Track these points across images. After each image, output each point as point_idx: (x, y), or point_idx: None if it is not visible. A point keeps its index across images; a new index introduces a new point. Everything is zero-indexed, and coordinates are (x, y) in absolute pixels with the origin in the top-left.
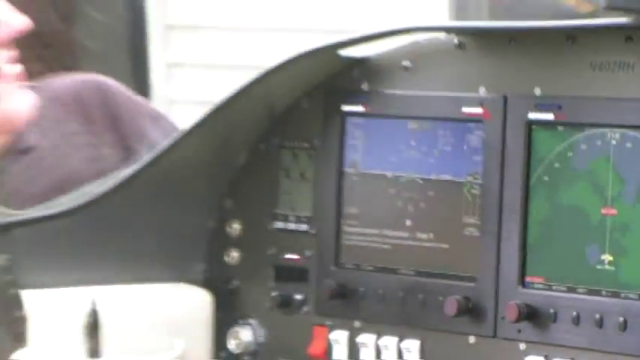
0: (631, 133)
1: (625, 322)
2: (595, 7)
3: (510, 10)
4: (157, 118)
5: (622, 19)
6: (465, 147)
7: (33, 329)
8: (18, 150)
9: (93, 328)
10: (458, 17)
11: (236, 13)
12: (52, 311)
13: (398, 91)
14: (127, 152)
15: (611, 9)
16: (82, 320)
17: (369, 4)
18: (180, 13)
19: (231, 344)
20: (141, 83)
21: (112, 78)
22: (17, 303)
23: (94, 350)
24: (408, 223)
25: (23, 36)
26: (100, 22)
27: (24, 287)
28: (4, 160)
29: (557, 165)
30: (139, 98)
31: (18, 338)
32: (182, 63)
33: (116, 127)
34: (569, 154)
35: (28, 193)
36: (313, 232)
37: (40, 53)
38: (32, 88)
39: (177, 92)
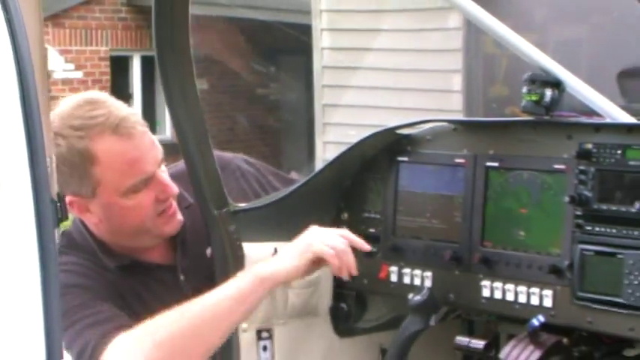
0: (534, 172)
1: (529, 265)
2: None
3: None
4: (277, 174)
5: (530, 118)
6: (456, 178)
7: (247, 261)
8: (184, 207)
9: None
10: (467, 107)
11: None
12: (256, 253)
13: (425, 151)
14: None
15: (525, 112)
16: (271, 253)
17: None
18: (331, 116)
19: None
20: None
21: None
22: (240, 248)
23: None
24: (428, 214)
25: None
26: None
27: (243, 241)
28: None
29: (499, 188)
30: (261, 163)
31: (239, 266)
32: (331, 142)
33: (257, 181)
34: (505, 183)
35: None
36: (383, 218)
37: None
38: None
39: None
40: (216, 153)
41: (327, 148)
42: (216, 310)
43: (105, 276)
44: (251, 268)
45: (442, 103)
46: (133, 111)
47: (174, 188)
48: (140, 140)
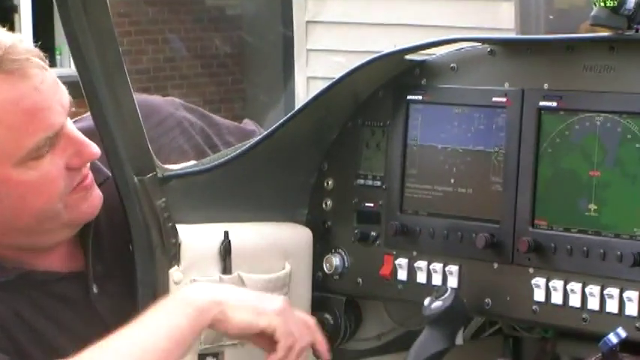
0: (610, 116)
1: (604, 253)
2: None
3: (560, 21)
4: (229, 125)
5: (606, 34)
6: (494, 126)
7: (184, 252)
8: (98, 183)
9: (226, 252)
10: (522, 23)
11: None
12: (197, 240)
13: (447, 85)
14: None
15: (596, 25)
16: (217, 247)
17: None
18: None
19: (325, 267)
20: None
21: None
22: (173, 233)
23: (226, 269)
24: (452, 181)
25: None
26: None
27: (178, 222)
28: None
29: (557, 140)
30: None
31: (173, 259)
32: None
33: (204, 136)
34: (567, 132)
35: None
36: (384, 187)
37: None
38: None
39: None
40: (142, 98)
41: (311, 86)
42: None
43: None
44: (182, 293)
45: (484, 18)
46: (20, 37)
47: (94, 147)
48: (39, 78)
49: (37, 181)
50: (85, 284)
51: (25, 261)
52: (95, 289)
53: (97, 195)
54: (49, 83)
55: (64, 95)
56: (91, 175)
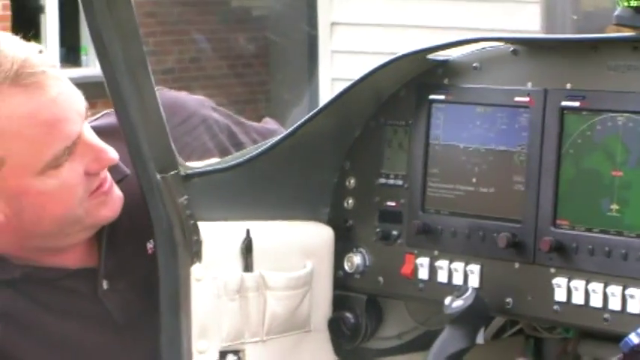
0: (633, 116)
1: (626, 254)
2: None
3: (587, 23)
4: (255, 127)
5: (630, 34)
6: (516, 126)
7: (205, 250)
8: (116, 181)
9: (247, 250)
10: (548, 25)
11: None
12: (219, 238)
13: (469, 85)
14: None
15: (620, 25)
16: (239, 245)
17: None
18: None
19: (347, 266)
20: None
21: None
22: (195, 230)
23: (248, 266)
24: (474, 180)
25: None
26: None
27: (199, 219)
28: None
29: (580, 140)
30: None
31: (195, 256)
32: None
33: (230, 137)
34: (589, 132)
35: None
36: (406, 186)
37: None
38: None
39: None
40: (171, 95)
41: (335, 87)
42: None
43: None
44: None
45: (509, 20)
46: (34, 47)
47: (112, 153)
48: (55, 90)
49: (57, 189)
50: (95, 280)
51: (34, 259)
52: (105, 285)
53: (117, 197)
54: (66, 94)
55: (81, 103)
56: (109, 179)
